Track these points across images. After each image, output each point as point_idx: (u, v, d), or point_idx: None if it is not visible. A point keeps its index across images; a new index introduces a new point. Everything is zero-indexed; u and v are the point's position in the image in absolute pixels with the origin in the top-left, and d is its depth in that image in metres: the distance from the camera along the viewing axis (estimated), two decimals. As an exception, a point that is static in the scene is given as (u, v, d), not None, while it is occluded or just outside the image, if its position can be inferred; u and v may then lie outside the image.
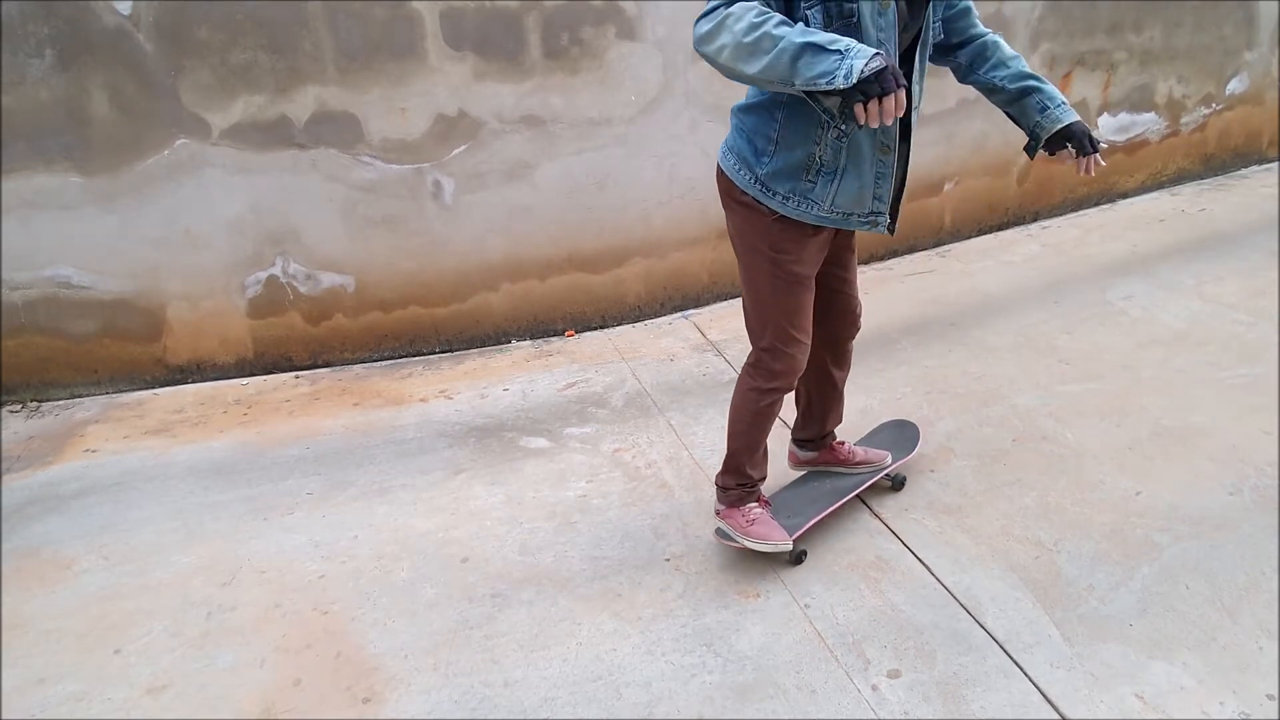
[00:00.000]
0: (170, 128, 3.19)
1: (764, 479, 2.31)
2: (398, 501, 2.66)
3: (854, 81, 1.53)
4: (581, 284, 3.81)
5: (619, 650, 2.04)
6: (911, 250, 4.47)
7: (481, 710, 1.90)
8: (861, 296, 2.30)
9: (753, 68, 1.62)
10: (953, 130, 4.36)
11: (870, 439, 2.71)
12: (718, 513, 2.29)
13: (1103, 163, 2.01)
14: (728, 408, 2.24)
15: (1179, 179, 5.31)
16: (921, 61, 1.90)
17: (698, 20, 1.70)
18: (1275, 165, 5.58)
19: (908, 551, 2.32)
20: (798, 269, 2.01)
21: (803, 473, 2.57)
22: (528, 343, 3.79)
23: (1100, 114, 4.83)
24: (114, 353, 3.42)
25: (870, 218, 1.98)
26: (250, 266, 3.43)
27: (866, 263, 4.27)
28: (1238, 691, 1.83)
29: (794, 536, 2.23)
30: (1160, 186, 5.25)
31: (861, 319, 2.33)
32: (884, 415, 2.98)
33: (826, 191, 1.92)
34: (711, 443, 2.85)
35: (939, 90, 4.23)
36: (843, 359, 2.38)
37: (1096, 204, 5.04)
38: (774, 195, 1.95)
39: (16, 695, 1.99)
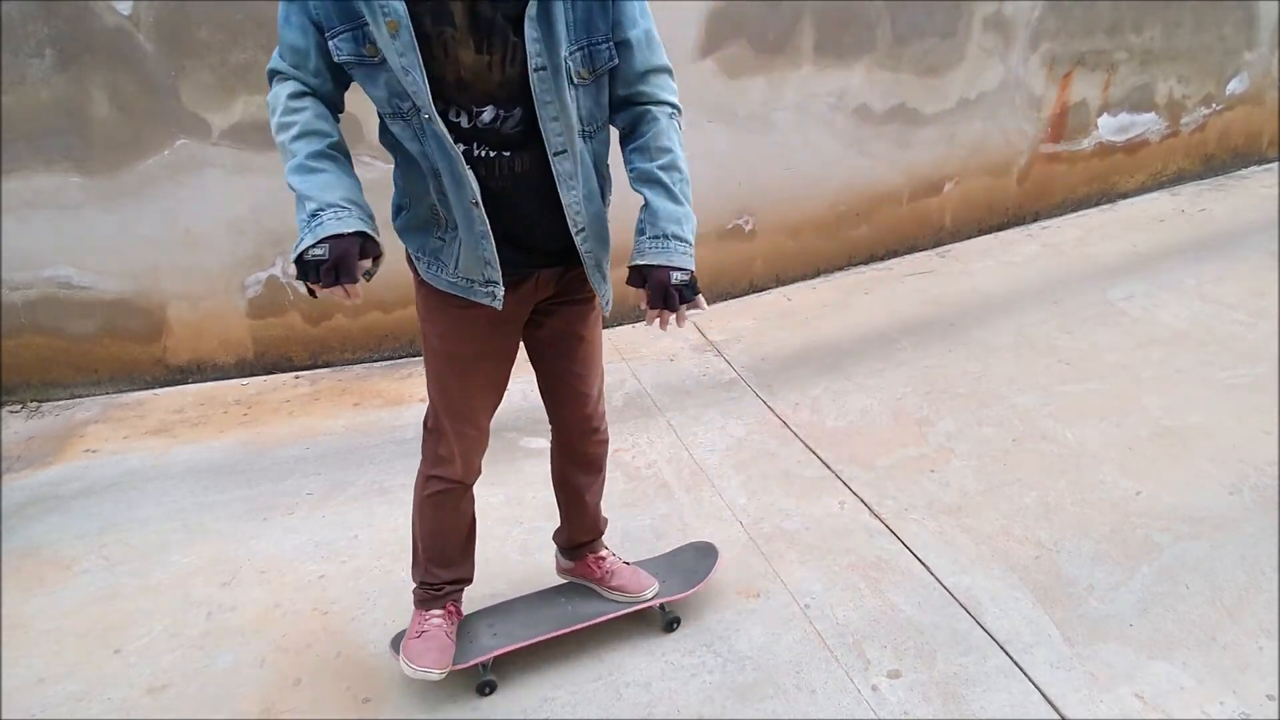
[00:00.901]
0: (170, 128, 3.19)
1: (460, 582, 1.99)
2: (398, 501, 2.66)
3: (293, 259, 1.41)
4: (581, 284, 3.80)
5: (619, 650, 2.04)
6: (911, 250, 4.46)
7: (481, 710, 1.90)
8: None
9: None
10: (953, 131, 4.35)
11: (661, 560, 2.26)
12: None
13: (680, 324, 1.57)
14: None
15: (1179, 179, 5.31)
16: (557, 93, 1.48)
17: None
18: (1275, 165, 5.57)
19: (907, 551, 2.32)
20: (449, 347, 1.72)
21: (565, 580, 2.21)
22: (528, 343, 3.78)
23: (1100, 114, 4.82)
24: (114, 353, 3.42)
25: (488, 287, 1.61)
26: (250, 266, 3.43)
27: (866, 263, 4.27)
28: (1238, 691, 1.83)
29: (475, 661, 1.92)
30: (1160, 187, 5.25)
31: (605, 430, 1.99)
32: (883, 415, 2.98)
33: (452, 252, 1.61)
34: (711, 443, 2.85)
35: (940, 89, 4.22)
36: (586, 465, 2.02)
37: (1096, 204, 5.03)
38: (413, 253, 1.68)
39: (16, 695, 2.00)
